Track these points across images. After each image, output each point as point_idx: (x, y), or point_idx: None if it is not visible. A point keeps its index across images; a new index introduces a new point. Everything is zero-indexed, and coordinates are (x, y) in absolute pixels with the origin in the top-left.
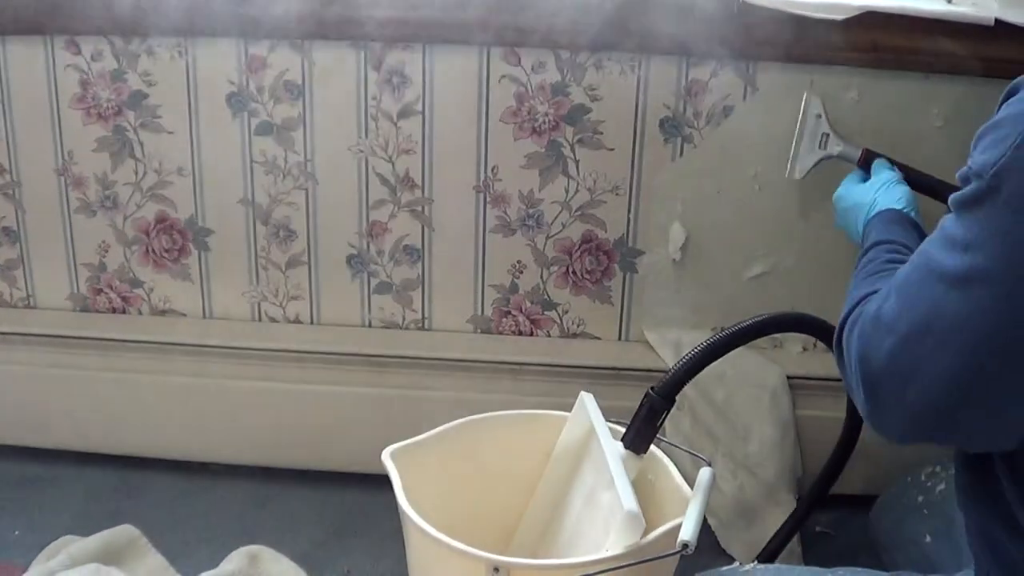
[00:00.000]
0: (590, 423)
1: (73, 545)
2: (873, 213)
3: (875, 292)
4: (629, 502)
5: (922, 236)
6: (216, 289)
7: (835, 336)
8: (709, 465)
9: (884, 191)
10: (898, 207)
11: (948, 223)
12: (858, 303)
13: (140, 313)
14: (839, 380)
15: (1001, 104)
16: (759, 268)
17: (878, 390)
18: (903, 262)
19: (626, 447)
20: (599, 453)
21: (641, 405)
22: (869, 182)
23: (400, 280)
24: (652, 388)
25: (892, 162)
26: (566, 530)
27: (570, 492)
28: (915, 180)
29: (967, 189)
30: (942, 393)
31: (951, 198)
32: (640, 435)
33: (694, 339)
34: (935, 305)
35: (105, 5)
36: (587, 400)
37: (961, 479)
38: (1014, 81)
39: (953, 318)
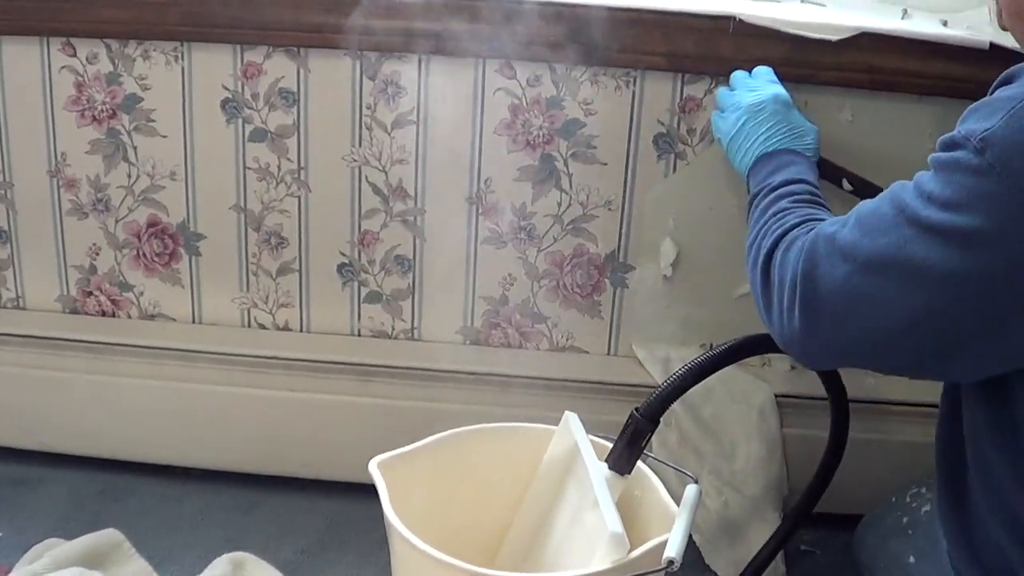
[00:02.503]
0: (575, 443)
1: (57, 548)
2: (805, 149)
3: (814, 220)
4: (614, 523)
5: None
6: (206, 295)
7: (762, 257)
8: (695, 482)
9: (814, 134)
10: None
11: (926, 179)
12: (793, 227)
13: (129, 317)
14: (826, 399)
15: (995, 89)
16: (749, 286)
17: (819, 310)
18: (823, 208)
19: (610, 468)
20: (584, 473)
21: (626, 426)
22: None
23: (390, 290)
24: (636, 409)
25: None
26: (551, 548)
27: (555, 510)
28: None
29: (954, 153)
30: (890, 323)
31: (931, 157)
32: (624, 456)
33: (683, 356)
34: (902, 244)
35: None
36: (571, 420)
37: (941, 490)
38: (1008, 70)
39: (920, 261)
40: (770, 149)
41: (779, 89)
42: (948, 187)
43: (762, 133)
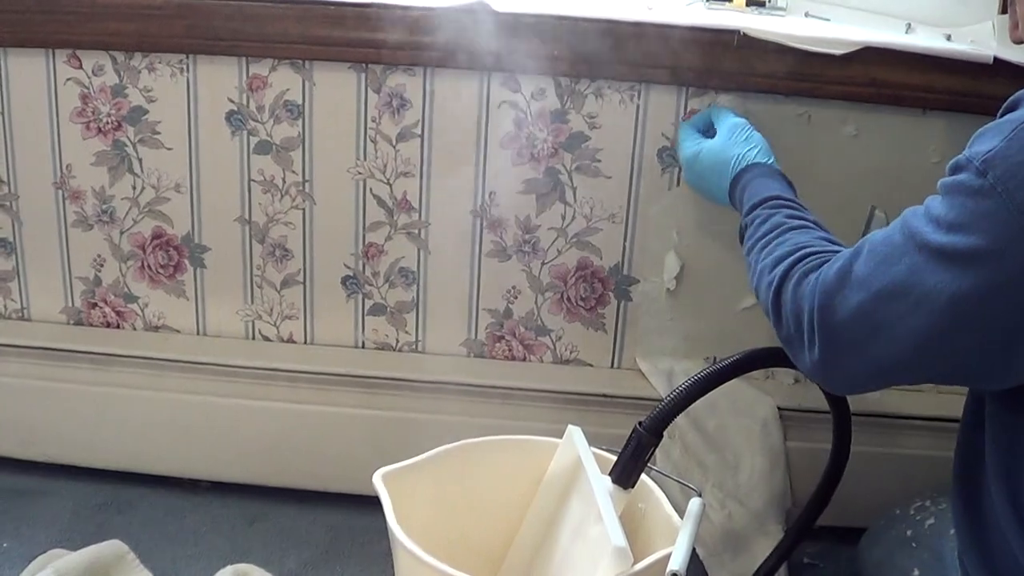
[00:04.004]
0: (578, 456)
1: (60, 559)
2: (742, 166)
3: (806, 248)
4: (617, 537)
5: (791, 185)
6: (210, 306)
7: (770, 291)
8: (699, 495)
9: (742, 143)
10: (763, 160)
11: (935, 204)
12: (795, 258)
13: (134, 328)
14: (829, 412)
15: (1002, 114)
16: (752, 299)
17: (838, 340)
18: (801, 217)
19: (614, 481)
20: (587, 487)
21: (629, 440)
22: (721, 136)
23: (394, 302)
24: (640, 423)
25: None
26: (554, 561)
27: (558, 524)
28: None
29: (958, 176)
30: (907, 348)
31: (940, 182)
32: (628, 470)
33: (687, 369)
34: (914, 271)
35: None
36: (575, 433)
37: (957, 493)
38: (1015, 95)
39: (932, 286)
40: (732, 176)
41: (682, 136)
42: (953, 209)
43: (709, 173)
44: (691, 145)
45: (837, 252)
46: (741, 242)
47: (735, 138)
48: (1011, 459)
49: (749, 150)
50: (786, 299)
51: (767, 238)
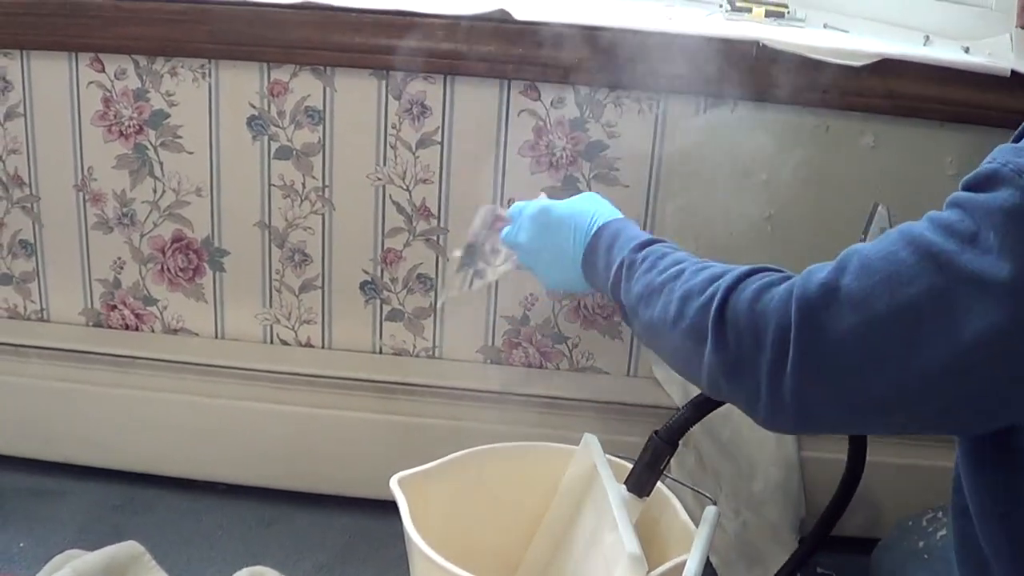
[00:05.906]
0: (594, 464)
1: (77, 560)
2: (605, 220)
3: (749, 267)
4: (632, 545)
5: None
6: (229, 310)
7: (709, 310)
8: (714, 503)
9: (597, 202)
10: (620, 215)
11: (954, 219)
12: (741, 274)
13: (153, 331)
14: None
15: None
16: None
17: (825, 364)
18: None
19: (629, 489)
20: (602, 495)
21: (645, 449)
22: (572, 199)
23: (412, 308)
24: (656, 432)
25: None
26: (569, 569)
27: (573, 531)
28: None
29: (997, 192)
30: (913, 381)
31: (960, 196)
32: (643, 478)
33: None
34: (935, 295)
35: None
36: (591, 442)
37: (955, 528)
38: None
39: (961, 314)
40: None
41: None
42: (991, 229)
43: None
44: (542, 202)
45: (790, 273)
46: (617, 289)
47: (587, 200)
48: (1007, 499)
49: (608, 209)
50: (737, 314)
51: (680, 267)
